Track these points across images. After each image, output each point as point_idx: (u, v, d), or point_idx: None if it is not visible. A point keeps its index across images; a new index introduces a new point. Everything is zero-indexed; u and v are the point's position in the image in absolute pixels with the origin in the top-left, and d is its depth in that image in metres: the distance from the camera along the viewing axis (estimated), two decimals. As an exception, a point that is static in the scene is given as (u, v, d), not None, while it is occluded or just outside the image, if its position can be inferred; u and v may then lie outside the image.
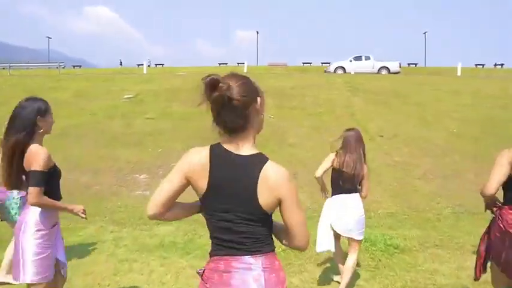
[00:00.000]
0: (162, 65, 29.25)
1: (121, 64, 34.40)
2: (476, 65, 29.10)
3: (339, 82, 16.83)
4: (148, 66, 32.44)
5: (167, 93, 14.43)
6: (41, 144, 2.48)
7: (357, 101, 13.79)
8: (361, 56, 23.49)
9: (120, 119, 11.90)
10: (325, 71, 23.39)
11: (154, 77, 18.50)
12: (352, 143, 3.54)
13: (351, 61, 23.43)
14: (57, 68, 21.32)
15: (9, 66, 22.49)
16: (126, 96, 13.89)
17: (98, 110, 12.69)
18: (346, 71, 22.20)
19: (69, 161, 8.90)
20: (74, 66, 28.44)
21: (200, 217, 5.31)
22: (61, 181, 2.60)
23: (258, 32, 41.45)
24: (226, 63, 31.08)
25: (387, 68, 22.15)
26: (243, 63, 30.42)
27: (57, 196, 2.52)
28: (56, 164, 2.55)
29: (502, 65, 29.92)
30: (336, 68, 23.20)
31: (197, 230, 5.13)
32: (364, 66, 22.37)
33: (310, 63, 32.16)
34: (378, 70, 22.22)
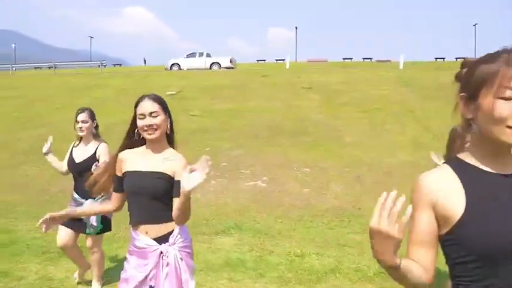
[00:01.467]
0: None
1: (145, 63, 34.19)
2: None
3: (390, 77, 15.74)
4: (145, 63, 32.30)
5: (210, 90, 13.91)
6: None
7: (413, 97, 12.70)
8: (195, 53, 24.75)
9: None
10: (165, 69, 23.98)
11: (194, 74, 18.10)
12: None
13: (185, 58, 24.65)
14: (98, 66, 21.40)
15: (54, 65, 22.87)
16: (168, 93, 13.46)
17: (141, 107, 12.33)
18: (181, 67, 23.35)
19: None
20: (114, 65, 28.63)
21: (269, 228, 4.56)
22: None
23: (296, 28, 40.48)
24: (264, 60, 30.43)
25: (218, 63, 23.10)
26: (283, 60, 29.69)
27: None
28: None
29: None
30: (172, 64, 24.16)
31: (264, 244, 4.45)
32: (197, 62, 23.41)
33: (351, 58, 31.02)
34: (210, 66, 23.12)
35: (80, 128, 3.31)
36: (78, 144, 3.42)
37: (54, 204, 6.82)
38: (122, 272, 2.05)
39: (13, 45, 40.81)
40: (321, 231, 5.17)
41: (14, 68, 24.33)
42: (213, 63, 23.17)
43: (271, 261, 3.91)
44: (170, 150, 2.04)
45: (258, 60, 30.34)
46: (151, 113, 1.93)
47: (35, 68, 28.76)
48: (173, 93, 13.54)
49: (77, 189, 3.31)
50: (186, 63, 23.42)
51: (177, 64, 23.91)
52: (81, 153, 3.33)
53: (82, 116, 3.32)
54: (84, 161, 3.29)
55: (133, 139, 2.03)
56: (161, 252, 1.94)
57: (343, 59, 30.69)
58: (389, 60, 29.09)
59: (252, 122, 10.71)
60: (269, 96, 12.74)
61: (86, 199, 3.23)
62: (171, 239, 1.98)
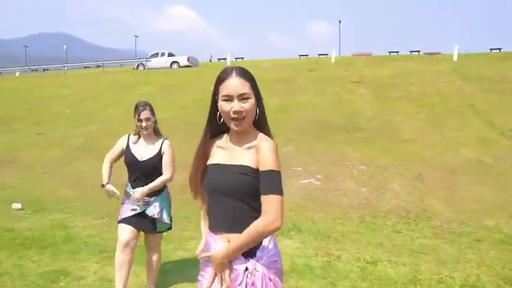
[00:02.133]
0: (242, 58, 28.86)
1: (188, 60, 34.15)
2: None
3: (445, 69, 14.81)
4: (210, 60, 32.30)
5: (260, 84, 13.65)
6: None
7: (472, 90, 11.82)
8: (157, 53, 25.97)
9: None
10: (133, 69, 25.16)
11: (238, 70, 17.93)
12: None
13: (149, 57, 25.99)
14: (143, 64, 21.79)
15: (103, 64, 23.55)
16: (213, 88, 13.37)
17: (188, 103, 12.30)
18: (146, 67, 24.78)
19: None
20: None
21: (329, 229, 4.17)
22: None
23: (340, 21, 39.42)
24: (307, 55, 29.85)
25: (178, 62, 24.34)
26: (326, 54, 28.98)
27: None
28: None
29: None
30: (138, 64, 25.28)
31: (329, 248, 4.11)
32: (159, 61, 24.84)
33: (397, 52, 29.76)
34: (170, 65, 24.44)
35: (145, 126, 3.06)
36: (137, 141, 3.15)
37: (109, 201, 6.84)
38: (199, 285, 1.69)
39: (64, 46, 42.68)
40: (387, 235, 4.75)
41: (65, 68, 25.32)
42: (173, 62, 24.64)
43: (340, 268, 3.56)
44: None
45: (300, 55, 29.78)
46: (240, 95, 1.52)
47: (84, 67, 29.84)
48: (218, 89, 13.42)
49: (134, 187, 3.08)
50: (150, 63, 24.99)
51: (142, 64, 25.49)
52: (144, 151, 3.10)
53: (145, 114, 3.06)
54: (150, 159, 3.07)
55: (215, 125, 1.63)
56: (246, 269, 1.51)
57: (389, 52, 29.46)
58: (439, 53, 27.62)
59: (302, 117, 10.35)
60: (318, 91, 12.32)
61: (152, 197, 3.07)
62: (258, 253, 1.53)
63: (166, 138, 3.20)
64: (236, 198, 1.51)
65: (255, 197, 1.48)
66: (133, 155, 3.10)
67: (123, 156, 3.16)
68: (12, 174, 8.60)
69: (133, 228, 3.04)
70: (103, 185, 3.12)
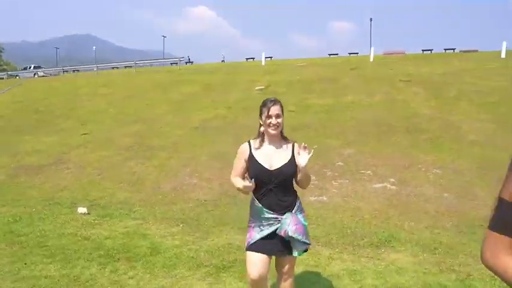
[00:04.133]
0: (271, 57, 28.47)
1: (191, 62, 33.49)
2: None
3: (495, 67, 14.13)
4: (222, 61, 31.93)
5: (299, 84, 13.26)
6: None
7: (535, 89, 11.15)
8: (27, 67, 35.12)
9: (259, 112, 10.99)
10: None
11: (275, 68, 17.57)
12: None
13: (22, 70, 34.85)
14: (177, 64, 21.64)
15: (135, 63, 23.57)
16: (257, 88, 13.03)
17: (232, 103, 11.98)
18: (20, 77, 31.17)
19: (217, 158, 8.14)
20: (186, 63, 29.00)
21: (422, 238, 3.59)
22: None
23: (371, 19, 38.65)
24: (337, 54, 29.26)
25: (38, 73, 31.73)
26: (356, 53, 28.35)
27: None
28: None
29: None
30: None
31: (449, 263, 3.67)
32: (27, 73, 32.01)
33: (431, 50, 28.87)
34: (34, 75, 31.28)
35: (275, 124, 2.54)
36: (260, 146, 2.63)
37: (171, 205, 6.56)
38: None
39: (94, 47, 43.32)
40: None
41: (97, 68, 25.45)
42: (35, 73, 31.69)
43: (475, 287, 3.14)
44: None
45: (330, 54, 29.22)
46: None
47: (112, 68, 29.98)
48: (262, 88, 13.07)
49: (270, 204, 2.55)
50: (22, 74, 32.50)
51: (18, 75, 32.73)
52: (274, 157, 2.59)
53: (277, 109, 2.55)
54: (285, 166, 2.56)
55: None
56: None
57: (423, 50, 28.63)
58: (477, 50, 26.67)
59: (355, 117, 9.89)
60: (367, 90, 11.82)
61: (283, 213, 2.54)
62: None
63: (296, 141, 2.70)
64: None
65: None
66: (258, 163, 2.59)
67: (248, 168, 2.65)
68: (65, 175, 8.43)
69: (265, 257, 2.54)
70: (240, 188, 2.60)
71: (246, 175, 2.61)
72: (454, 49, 28.31)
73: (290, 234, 2.47)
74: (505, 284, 2.75)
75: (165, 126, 10.73)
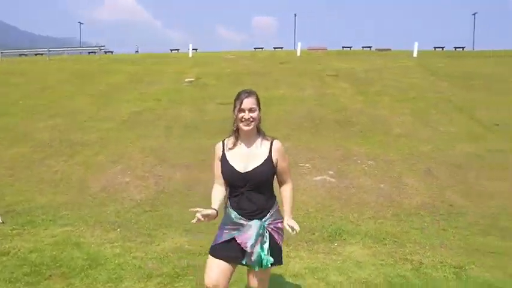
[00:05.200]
0: (196, 49, 27.79)
1: (110, 51, 31.81)
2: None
3: (411, 65, 15.27)
4: (136, 52, 30.67)
5: (229, 77, 13.05)
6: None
7: (446, 86, 12.23)
8: None
9: (190, 104, 10.58)
10: None
11: (203, 61, 17.14)
12: None
13: None
14: (96, 53, 20.06)
15: (49, 51, 21.32)
16: (187, 80, 12.56)
17: (162, 95, 11.40)
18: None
19: (150, 153, 7.64)
20: (105, 52, 27.10)
21: (371, 230, 3.72)
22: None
23: (295, 15, 39.51)
24: (262, 48, 29.52)
25: None
26: (281, 48, 28.88)
27: None
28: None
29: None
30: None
31: (401, 253, 3.75)
32: None
33: (350, 47, 30.45)
34: None
35: (248, 119, 2.28)
36: (234, 146, 2.37)
37: (102, 207, 5.95)
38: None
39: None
40: (440, 235, 4.55)
41: (1, 55, 22.59)
42: None
43: (437, 276, 3.25)
44: None
45: (255, 48, 29.38)
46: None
47: (20, 55, 27.06)
48: (192, 80, 12.64)
49: (240, 206, 2.31)
50: None
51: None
52: (249, 157, 2.32)
53: (250, 102, 2.29)
54: (260, 167, 2.29)
55: None
56: None
57: (343, 47, 30.10)
58: (390, 49, 28.75)
59: (289, 111, 9.98)
60: (297, 84, 12.02)
61: (252, 219, 2.29)
62: None
63: (276, 138, 2.43)
64: None
65: None
66: (229, 164, 2.33)
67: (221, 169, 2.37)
68: (-31, 177, 7.29)
69: (225, 265, 2.26)
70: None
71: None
72: (370, 47, 30.12)
73: (249, 249, 2.22)
74: (456, 267, 2.78)
75: (89, 120, 9.84)
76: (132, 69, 14.98)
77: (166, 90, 11.81)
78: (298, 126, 9.00)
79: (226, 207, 2.38)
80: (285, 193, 2.41)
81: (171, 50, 29.08)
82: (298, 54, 19.31)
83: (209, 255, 2.31)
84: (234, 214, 2.31)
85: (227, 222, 2.33)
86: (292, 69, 14.11)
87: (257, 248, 2.23)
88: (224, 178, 2.36)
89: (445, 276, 3.32)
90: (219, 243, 2.29)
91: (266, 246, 2.24)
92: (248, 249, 2.22)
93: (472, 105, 10.48)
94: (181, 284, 3.17)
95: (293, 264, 3.51)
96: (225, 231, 2.31)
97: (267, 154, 2.33)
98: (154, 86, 12.29)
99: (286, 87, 11.81)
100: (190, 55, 19.73)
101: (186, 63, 16.34)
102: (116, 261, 3.67)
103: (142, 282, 3.25)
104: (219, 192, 2.38)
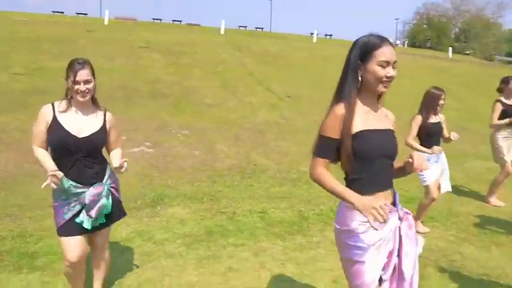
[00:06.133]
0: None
1: None
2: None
3: (219, 41, 16.30)
4: None
5: (29, 44, 11.32)
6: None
7: (250, 62, 13.63)
8: None
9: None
10: None
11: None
12: None
13: None
14: None
15: None
16: (-34, 45, 10.33)
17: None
18: None
19: None
20: None
21: (190, 192, 4.36)
22: None
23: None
24: (62, 12, 26.33)
25: None
26: (85, 14, 26.38)
27: None
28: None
29: (330, 35, 34.09)
30: None
31: (216, 208, 4.24)
32: None
33: (160, 19, 30.23)
34: None
35: (84, 91, 2.28)
36: (67, 110, 2.32)
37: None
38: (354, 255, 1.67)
39: None
40: (248, 189, 5.29)
41: None
42: None
43: (246, 220, 3.85)
44: None
45: (54, 12, 25.98)
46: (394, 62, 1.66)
47: None
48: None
49: (78, 175, 2.31)
50: None
51: None
52: (83, 124, 2.33)
53: (85, 74, 2.28)
54: (96, 134, 2.35)
55: None
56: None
57: (153, 19, 29.61)
58: (199, 24, 29.80)
59: (100, 82, 9.24)
60: (107, 54, 11.38)
61: (92, 185, 2.33)
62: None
63: (107, 110, 2.51)
64: (393, 160, 1.72)
65: None
66: (63, 128, 2.26)
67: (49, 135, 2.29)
68: None
69: (79, 238, 2.32)
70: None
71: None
72: (180, 21, 30.47)
73: (94, 215, 2.31)
74: (261, 212, 3.46)
75: None
76: None
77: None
78: (111, 97, 8.63)
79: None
80: (114, 151, 2.53)
81: None
82: (106, 22, 18.09)
83: (61, 238, 2.31)
84: (69, 185, 2.27)
85: (66, 197, 2.29)
86: (101, 38, 13.20)
87: (101, 205, 2.32)
88: (55, 144, 2.30)
89: (253, 219, 3.98)
90: (64, 223, 2.29)
91: (110, 202, 2.39)
92: (93, 215, 2.29)
93: (269, 79, 12.05)
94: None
95: (120, 230, 3.58)
96: (66, 208, 2.29)
97: (102, 123, 2.42)
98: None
99: (95, 56, 10.98)
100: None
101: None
102: None
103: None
104: (46, 153, 2.31)
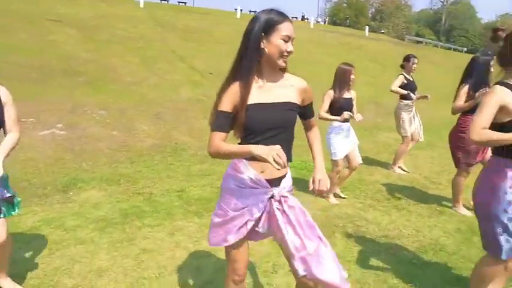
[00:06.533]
0: None
1: None
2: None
3: (141, 16, 15.54)
4: None
5: None
6: None
7: (171, 37, 13.20)
8: None
9: None
10: None
11: None
12: None
13: None
14: None
15: None
16: None
17: None
18: None
19: None
20: None
21: (106, 174, 4.32)
22: None
23: None
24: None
25: None
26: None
27: None
28: None
29: (254, 11, 34.06)
30: None
31: (134, 189, 4.14)
32: None
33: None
34: None
35: None
36: None
37: None
38: (214, 215, 1.80)
39: None
40: (168, 168, 5.21)
41: None
42: None
43: (159, 201, 3.81)
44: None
45: None
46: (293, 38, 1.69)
47: None
48: None
49: None
50: None
51: None
52: None
53: None
54: None
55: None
56: (272, 197, 1.75)
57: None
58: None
59: (7, 60, 8.57)
60: (14, 27, 10.31)
61: None
62: (283, 183, 1.79)
63: (1, 84, 2.27)
64: (285, 130, 1.75)
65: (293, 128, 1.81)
66: None
67: None
68: None
69: None
70: None
71: None
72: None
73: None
74: (179, 190, 3.46)
75: None
76: None
77: None
78: (17, 76, 7.91)
79: None
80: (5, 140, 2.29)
81: None
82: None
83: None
84: None
85: None
86: (3, 9, 11.88)
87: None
88: None
89: (170, 199, 3.95)
90: None
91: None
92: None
93: (191, 55, 11.82)
94: None
95: (25, 219, 3.34)
96: None
97: None
98: None
99: (-5, 30, 9.95)
100: None
101: None
102: None
103: None
104: None
